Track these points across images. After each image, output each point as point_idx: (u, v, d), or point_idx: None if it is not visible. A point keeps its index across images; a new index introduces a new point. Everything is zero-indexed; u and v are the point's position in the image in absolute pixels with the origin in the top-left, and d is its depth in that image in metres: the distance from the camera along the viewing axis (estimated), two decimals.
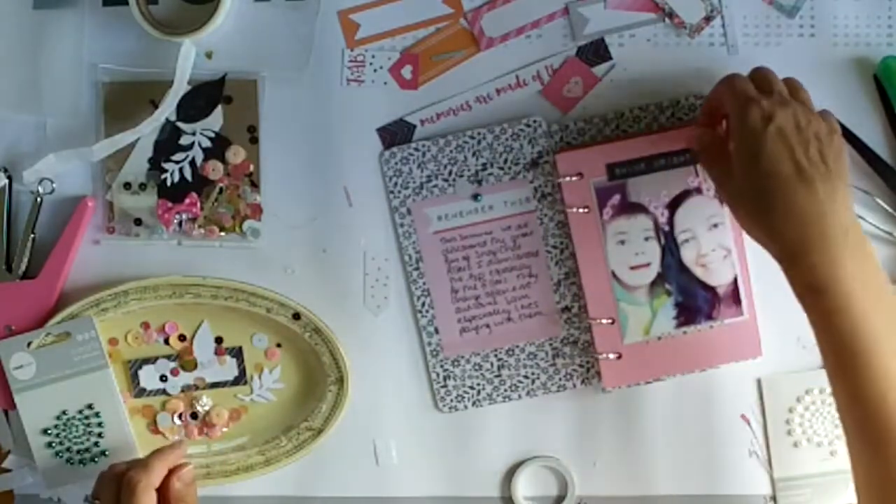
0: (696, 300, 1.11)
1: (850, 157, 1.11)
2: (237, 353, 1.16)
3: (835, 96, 1.11)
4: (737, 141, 0.99)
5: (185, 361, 1.17)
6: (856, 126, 1.10)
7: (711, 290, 1.11)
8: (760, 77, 1.04)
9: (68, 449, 1.15)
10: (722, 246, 1.11)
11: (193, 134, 1.14)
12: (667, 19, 1.12)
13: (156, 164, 1.14)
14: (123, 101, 1.13)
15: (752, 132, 0.97)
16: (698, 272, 1.11)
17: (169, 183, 1.14)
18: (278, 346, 1.16)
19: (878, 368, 0.93)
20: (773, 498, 1.15)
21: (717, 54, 1.12)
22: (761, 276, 1.12)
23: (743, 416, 1.14)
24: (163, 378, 1.17)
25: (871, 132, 1.11)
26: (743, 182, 0.98)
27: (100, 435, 1.15)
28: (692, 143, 1.09)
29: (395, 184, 1.13)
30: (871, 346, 0.93)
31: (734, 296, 1.11)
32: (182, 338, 1.17)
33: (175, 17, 1.13)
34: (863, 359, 0.93)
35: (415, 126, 1.13)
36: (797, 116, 0.98)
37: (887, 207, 1.11)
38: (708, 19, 1.12)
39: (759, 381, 1.14)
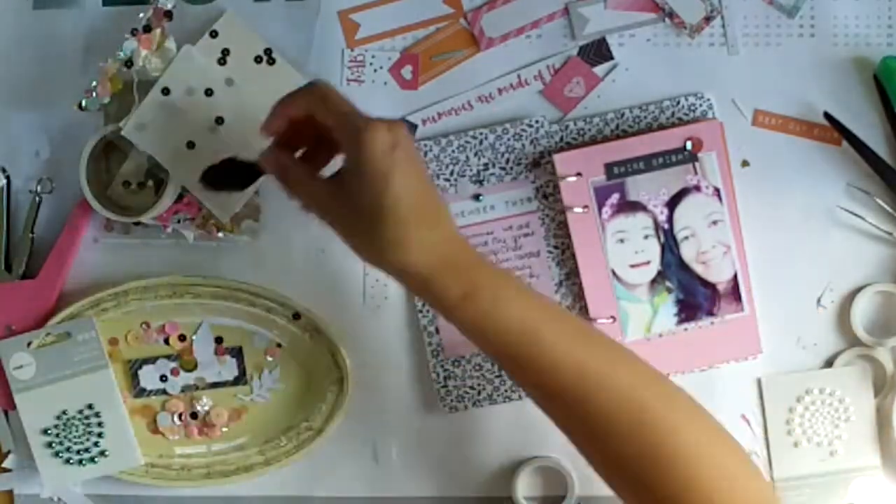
0: (696, 297, 1.12)
1: (850, 157, 1.11)
2: (237, 353, 1.16)
3: (835, 96, 1.12)
4: (359, 167, 0.92)
5: (185, 361, 1.17)
6: (856, 126, 1.10)
7: (712, 286, 1.12)
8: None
9: (68, 449, 1.14)
10: (722, 243, 1.11)
11: None
12: (667, 19, 1.12)
13: (154, 162, 1.14)
14: (124, 100, 1.13)
15: (380, 158, 0.91)
16: (698, 269, 1.11)
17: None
18: (278, 346, 1.16)
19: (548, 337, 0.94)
20: None
21: (717, 54, 1.12)
22: (761, 277, 1.12)
23: (743, 416, 1.15)
24: (163, 378, 1.17)
25: (871, 132, 1.11)
26: (363, 209, 0.93)
27: (100, 435, 1.15)
28: (270, 166, 1.01)
29: None
30: (536, 326, 0.94)
31: (734, 292, 1.11)
32: (182, 338, 1.16)
33: (126, 200, 1.15)
34: (531, 336, 0.94)
35: (416, 126, 1.13)
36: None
37: (887, 207, 1.11)
38: (708, 19, 1.12)
39: (759, 381, 1.14)
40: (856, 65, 1.12)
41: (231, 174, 1.06)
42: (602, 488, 1.15)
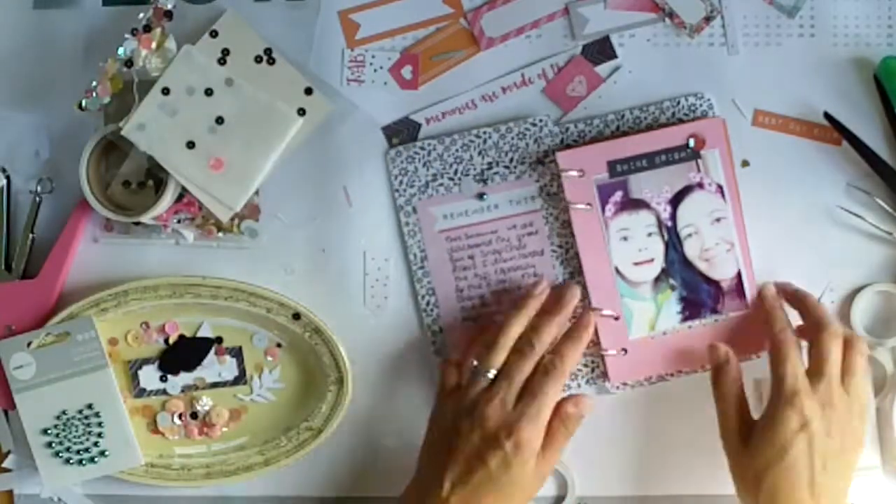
0: (700, 294, 1.12)
1: (850, 157, 1.12)
2: (237, 353, 1.16)
3: (835, 96, 1.12)
4: (765, 433, 1.03)
5: None
6: (856, 126, 1.11)
7: (715, 284, 1.12)
8: (817, 355, 1.06)
9: (68, 449, 1.14)
10: (725, 240, 1.11)
11: None
12: (667, 19, 1.12)
13: (154, 162, 1.13)
14: (124, 100, 1.12)
15: (784, 433, 1.01)
16: (702, 267, 1.12)
17: None
18: (278, 346, 1.16)
19: None
20: None
21: (717, 54, 1.13)
22: (761, 277, 1.12)
23: None
24: (163, 378, 1.16)
25: (871, 132, 1.12)
26: (751, 461, 1.03)
27: (100, 435, 1.14)
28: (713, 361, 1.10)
29: (401, 182, 1.13)
30: None
31: (738, 289, 1.11)
32: (182, 338, 1.16)
33: (126, 200, 1.14)
34: None
35: (420, 125, 1.13)
36: (830, 426, 1.02)
37: (887, 207, 1.11)
38: (708, 19, 1.12)
39: (759, 382, 1.14)
40: (856, 65, 1.12)
41: (185, 353, 1.16)
42: (602, 488, 1.16)
